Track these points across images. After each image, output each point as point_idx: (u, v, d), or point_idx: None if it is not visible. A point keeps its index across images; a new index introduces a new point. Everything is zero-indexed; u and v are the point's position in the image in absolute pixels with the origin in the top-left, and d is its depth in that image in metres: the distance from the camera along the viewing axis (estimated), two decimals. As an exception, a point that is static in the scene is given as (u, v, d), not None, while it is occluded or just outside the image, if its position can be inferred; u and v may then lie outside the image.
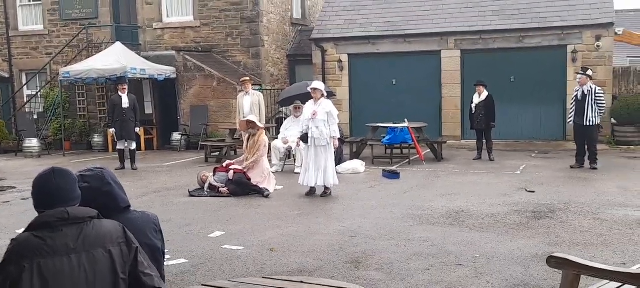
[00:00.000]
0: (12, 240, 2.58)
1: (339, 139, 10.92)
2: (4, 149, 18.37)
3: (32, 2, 20.82)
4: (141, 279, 2.72)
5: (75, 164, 13.90)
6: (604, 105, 12.14)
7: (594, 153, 11.92)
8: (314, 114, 9.60)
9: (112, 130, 14.15)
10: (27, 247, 2.50)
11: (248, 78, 14.31)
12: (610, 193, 9.51)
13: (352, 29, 18.18)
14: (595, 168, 11.75)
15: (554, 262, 3.71)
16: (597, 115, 11.73)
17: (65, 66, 18.21)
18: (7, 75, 20.88)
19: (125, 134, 13.54)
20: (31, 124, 18.58)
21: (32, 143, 17.55)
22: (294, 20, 21.15)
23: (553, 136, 16.64)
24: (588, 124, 11.73)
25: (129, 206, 3.28)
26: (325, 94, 9.94)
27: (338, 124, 10.14)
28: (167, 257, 6.03)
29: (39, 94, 20.01)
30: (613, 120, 16.08)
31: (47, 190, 2.69)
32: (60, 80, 17.64)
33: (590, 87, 11.81)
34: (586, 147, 11.99)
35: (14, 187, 11.61)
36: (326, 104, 9.68)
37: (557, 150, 15.20)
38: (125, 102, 13.52)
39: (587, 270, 3.60)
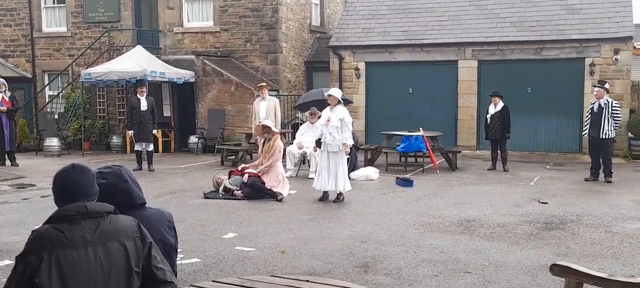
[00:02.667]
0: (33, 231, 2.69)
1: (353, 145, 11.03)
2: (25, 148, 18.71)
3: (56, 5, 21.22)
4: (154, 273, 2.83)
5: (93, 164, 14.11)
6: (620, 118, 12.13)
7: (609, 166, 11.90)
8: (328, 120, 9.74)
9: (130, 132, 14.38)
10: (46, 238, 2.61)
11: (265, 84, 14.48)
12: (624, 206, 9.50)
13: (370, 38, 18.30)
14: (610, 182, 11.72)
15: (556, 269, 3.78)
16: (612, 129, 11.74)
17: (87, 68, 18.54)
18: (30, 76, 21.28)
19: (143, 136, 13.76)
20: (52, 123, 18.92)
21: (53, 142, 17.88)
22: (313, 28, 21.32)
23: (569, 148, 16.58)
24: (604, 136, 11.73)
25: (145, 203, 3.41)
26: (341, 101, 10.08)
27: (353, 131, 10.26)
28: (180, 255, 6.19)
29: (61, 94, 20.37)
30: (630, 134, 15.99)
31: (66, 186, 2.80)
32: (82, 82, 17.97)
33: (607, 100, 11.82)
34: (601, 160, 11.98)
35: (34, 185, 11.86)
36: (340, 111, 9.81)
37: (573, 163, 15.15)
38: (144, 105, 13.75)
39: (589, 278, 3.66)
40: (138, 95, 13.96)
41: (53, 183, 2.83)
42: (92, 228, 2.68)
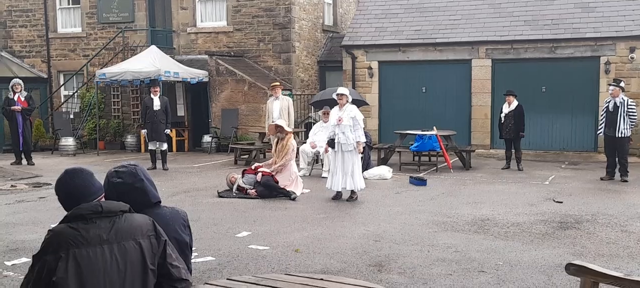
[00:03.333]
0: (49, 230, 2.72)
1: (366, 144, 11.02)
2: (41, 147, 18.90)
3: (71, 6, 21.40)
4: (169, 270, 2.86)
5: (108, 163, 14.25)
6: (636, 117, 12.01)
7: (625, 165, 11.79)
8: (339, 120, 9.72)
9: (144, 131, 14.46)
10: (63, 237, 2.65)
11: (278, 83, 14.51)
12: (640, 206, 9.41)
13: (383, 37, 18.26)
14: (626, 181, 11.61)
15: (572, 269, 3.76)
16: (628, 127, 11.64)
17: (102, 68, 18.68)
18: (45, 76, 21.48)
19: (156, 135, 13.83)
20: (67, 123, 19.09)
21: (68, 142, 18.03)
22: (325, 27, 21.32)
23: (584, 147, 16.46)
24: (620, 135, 11.64)
25: (160, 201, 3.43)
26: (350, 99, 10.06)
27: (366, 130, 10.23)
28: (195, 254, 6.22)
29: (76, 94, 20.55)
30: (646, 133, 15.83)
31: (68, 192, 2.88)
32: (96, 82, 18.10)
33: (623, 98, 11.73)
34: (617, 159, 11.88)
35: (50, 184, 11.96)
36: (351, 110, 9.80)
37: (588, 162, 15.03)
38: (157, 105, 13.82)
39: (605, 278, 3.63)
40: (151, 95, 14.04)
41: (56, 194, 2.90)
42: (107, 227, 2.72)
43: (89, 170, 2.98)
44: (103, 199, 2.93)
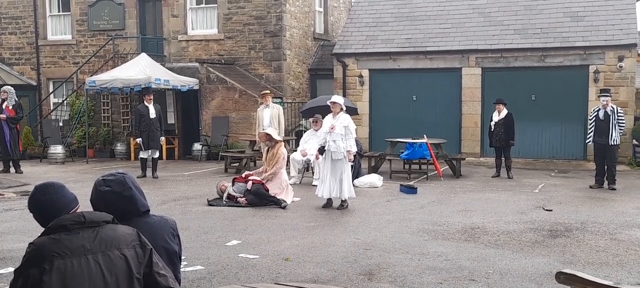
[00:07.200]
0: (30, 243, 2.68)
1: (357, 152, 11.02)
2: (29, 155, 18.75)
3: (61, 13, 21.32)
4: (156, 279, 2.82)
5: (97, 171, 14.15)
6: (624, 125, 12.11)
7: (613, 173, 11.87)
8: (332, 128, 9.72)
9: (138, 140, 14.20)
10: (46, 249, 2.61)
11: (268, 91, 14.51)
12: (629, 213, 9.45)
13: (374, 45, 18.31)
14: (614, 189, 11.68)
15: (562, 277, 3.76)
16: (618, 136, 11.74)
17: (92, 75, 18.60)
18: (34, 83, 21.36)
19: (152, 143, 13.79)
20: (56, 131, 18.95)
21: (57, 149, 17.90)
22: (316, 35, 21.36)
23: (573, 155, 16.55)
24: (612, 143, 11.74)
25: (148, 210, 3.39)
26: (344, 108, 10.08)
27: (357, 138, 10.23)
28: (184, 263, 6.17)
29: (65, 102, 20.43)
30: (634, 141, 15.96)
31: (42, 208, 2.84)
32: (86, 89, 18.00)
33: (612, 107, 11.83)
34: (606, 167, 11.95)
35: (38, 192, 11.85)
36: (344, 118, 9.82)
37: (577, 170, 15.10)
38: (153, 113, 13.77)
39: (594, 286, 3.64)
40: (145, 103, 13.98)
41: (31, 212, 2.86)
42: (90, 237, 2.68)
43: (60, 182, 2.95)
44: (79, 210, 2.89)
